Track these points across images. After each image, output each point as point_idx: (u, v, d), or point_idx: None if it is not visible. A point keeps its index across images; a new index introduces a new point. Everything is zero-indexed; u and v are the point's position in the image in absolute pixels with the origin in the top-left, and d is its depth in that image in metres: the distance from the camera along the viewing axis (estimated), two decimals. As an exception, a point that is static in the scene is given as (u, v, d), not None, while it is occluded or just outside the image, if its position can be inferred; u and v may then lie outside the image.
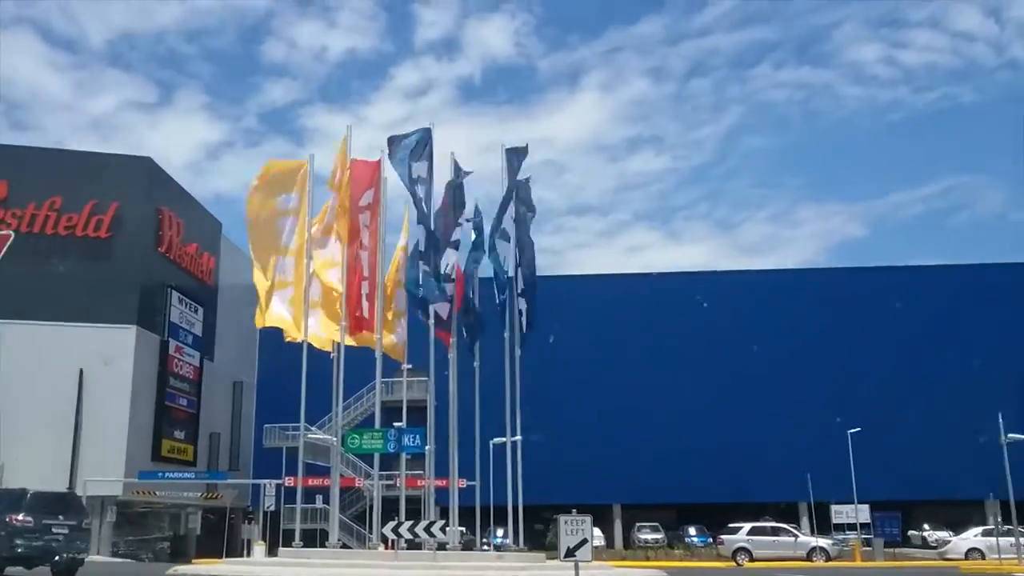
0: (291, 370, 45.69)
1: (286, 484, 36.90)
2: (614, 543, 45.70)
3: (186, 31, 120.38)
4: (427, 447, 23.81)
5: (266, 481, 36.10)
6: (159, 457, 38.17)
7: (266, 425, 47.65)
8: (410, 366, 29.26)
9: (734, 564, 31.13)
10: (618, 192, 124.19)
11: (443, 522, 21.45)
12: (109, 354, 36.39)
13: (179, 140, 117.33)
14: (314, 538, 47.41)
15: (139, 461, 36.03)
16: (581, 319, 47.02)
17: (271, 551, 38.73)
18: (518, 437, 24.81)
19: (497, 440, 26.35)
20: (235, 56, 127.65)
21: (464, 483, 42.70)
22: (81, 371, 35.74)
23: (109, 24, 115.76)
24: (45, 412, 35.04)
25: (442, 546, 20.62)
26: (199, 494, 38.11)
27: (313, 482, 37.93)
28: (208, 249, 44.94)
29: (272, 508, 35.60)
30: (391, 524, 21.01)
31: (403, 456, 25.04)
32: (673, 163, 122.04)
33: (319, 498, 44.98)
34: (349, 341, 24.51)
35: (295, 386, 45.74)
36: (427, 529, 20.36)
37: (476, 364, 27.83)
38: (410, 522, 20.79)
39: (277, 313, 23.82)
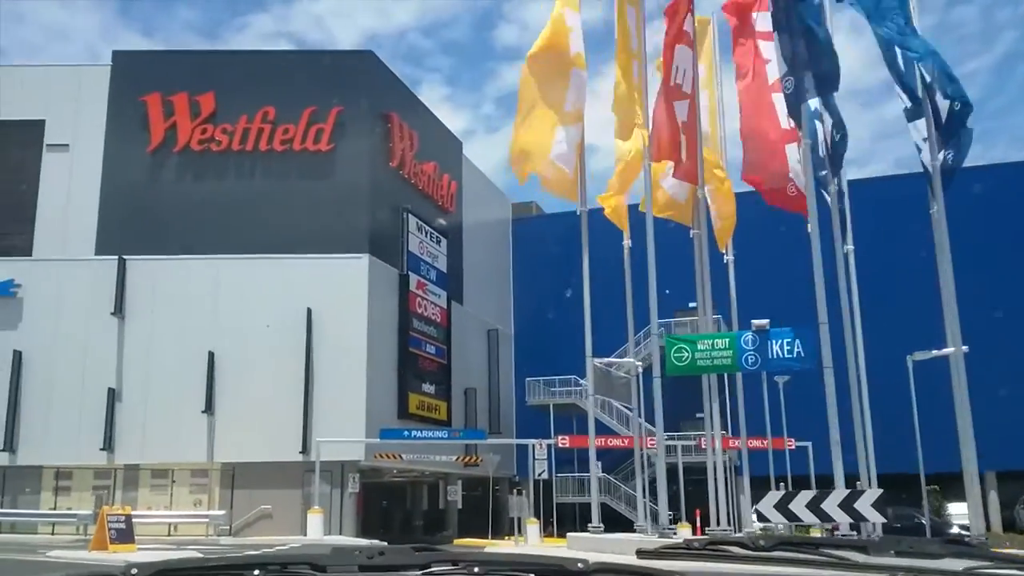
0: (552, 318, 37.96)
1: (559, 444, 28.60)
2: (989, 523, 33.41)
3: (423, 26, 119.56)
4: (825, 366, 14.09)
5: (535, 441, 27.91)
6: (405, 414, 31.28)
7: (528, 379, 39.95)
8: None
9: None
10: (875, 141, 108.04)
11: (877, 493, 12.05)
12: (339, 289, 29.82)
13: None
14: (585, 515, 39.23)
15: (382, 418, 29.22)
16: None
17: (545, 531, 30.85)
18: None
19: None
20: (470, 45, 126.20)
21: (793, 443, 32.29)
22: (309, 311, 29.40)
23: (357, 27, 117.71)
24: (268, 362, 29.07)
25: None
26: (455, 458, 30.73)
27: (588, 443, 29.25)
28: (448, 171, 37.62)
29: (545, 476, 27.40)
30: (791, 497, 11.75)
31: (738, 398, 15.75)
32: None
33: (600, 464, 36.64)
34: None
35: (558, 336, 37.42)
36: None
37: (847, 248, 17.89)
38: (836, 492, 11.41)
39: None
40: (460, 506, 36.06)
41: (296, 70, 31.82)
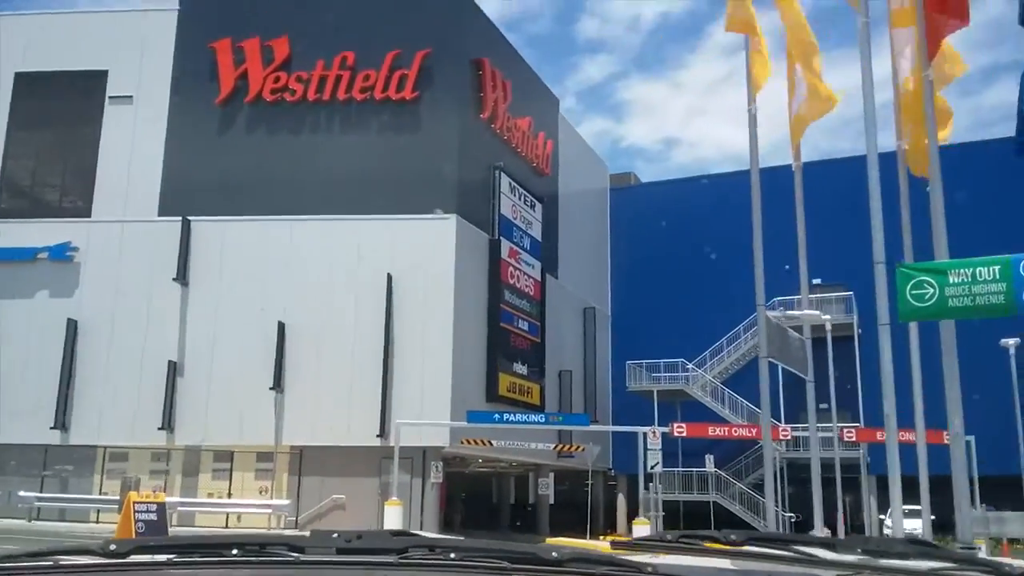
0: (654, 298, 33.90)
1: (676, 433, 24.53)
2: None
3: (507, 20, 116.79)
4: None
5: (648, 428, 23.87)
6: (495, 396, 27.61)
7: (629, 362, 35.92)
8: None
9: None
10: (972, 130, 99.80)
11: None
12: (423, 254, 26.35)
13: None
14: (690, 515, 35.07)
15: (468, 400, 25.64)
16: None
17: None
18: None
19: None
20: (552, 38, 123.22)
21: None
22: (389, 278, 26.01)
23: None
24: (343, 335, 25.81)
25: None
26: (553, 446, 26.84)
27: (698, 431, 25.34)
28: (543, 129, 33.79)
29: (659, 468, 23.44)
30: None
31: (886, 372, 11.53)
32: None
33: (709, 459, 32.40)
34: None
35: (660, 318, 34.21)
36: None
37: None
38: None
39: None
40: (552, 501, 32.41)
41: (377, 10, 28.35)
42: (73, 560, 1.56)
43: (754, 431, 24.33)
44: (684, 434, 23.92)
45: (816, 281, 37.42)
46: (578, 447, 25.77)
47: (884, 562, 1.93)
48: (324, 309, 26.10)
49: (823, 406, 36.46)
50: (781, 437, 24.50)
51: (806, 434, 24.98)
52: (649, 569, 1.55)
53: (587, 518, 28.55)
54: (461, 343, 26.07)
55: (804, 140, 16.84)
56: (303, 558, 1.54)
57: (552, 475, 32.72)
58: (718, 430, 24.23)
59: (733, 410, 34.20)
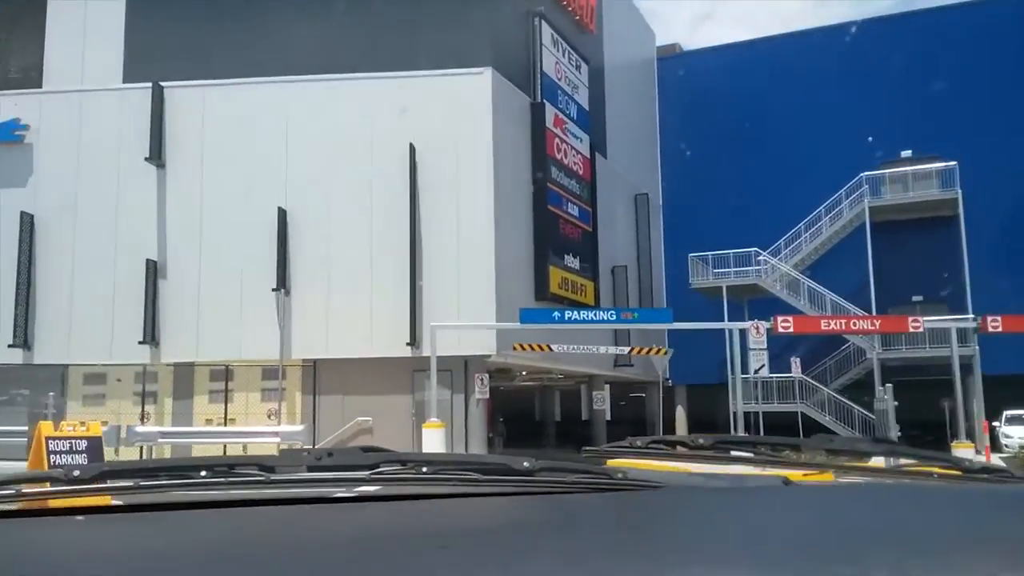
0: (710, 185, 29.56)
1: (781, 328, 19.58)
2: None
3: None
4: None
5: (750, 324, 18.93)
6: (545, 295, 22.72)
7: (691, 255, 30.89)
8: None
9: None
10: None
11: None
12: (453, 119, 21.11)
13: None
14: (767, 427, 30.53)
15: (515, 300, 20.72)
16: None
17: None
18: None
19: None
20: None
21: None
22: (412, 149, 20.88)
23: None
24: (360, 222, 20.88)
25: None
26: (629, 350, 21.80)
27: (807, 326, 20.53)
28: (586, -22, 27.98)
29: (765, 372, 18.69)
30: None
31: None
32: None
33: (795, 362, 27.63)
34: None
35: (720, 206, 30.20)
36: None
37: None
38: None
39: None
40: (608, 417, 28.00)
41: None
42: (36, 488, 1.52)
43: (877, 323, 19.40)
44: (791, 329, 19.04)
45: (906, 153, 32.22)
46: (660, 349, 20.84)
47: (849, 460, 1.97)
48: (334, 191, 21.09)
49: (916, 298, 31.81)
50: (912, 328, 19.54)
51: (960, 324, 20.01)
52: (620, 475, 1.56)
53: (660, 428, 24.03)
54: (504, 229, 21.05)
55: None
56: (273, 477, 1.51)
57: (608, 387, 28.27)
58: (832, 323, 19.39)
59: (814, 304, 29.30)
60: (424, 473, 1.54)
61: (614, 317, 18.94)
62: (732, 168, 33.68)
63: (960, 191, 28.79)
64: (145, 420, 19.90)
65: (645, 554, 1.10)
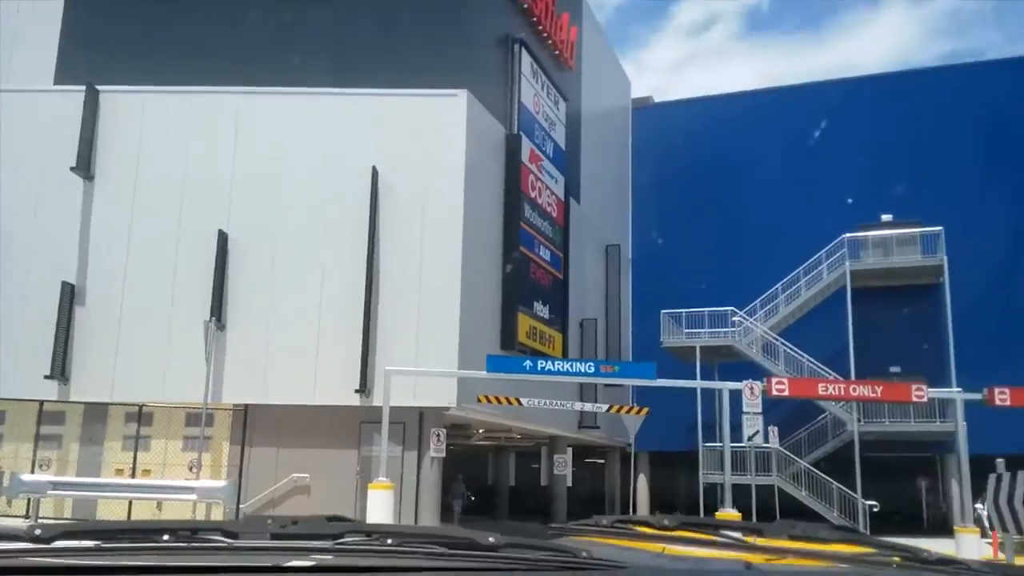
0: (683, 241, 28.47)
1: (776, 391, 17.58)
2: None
3: None
4: None
5: (745, 384, 16.86)
6: (512, 344, 20.52)
7: (664, 312, 29.04)
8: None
9: None
10: None
11: None
12: (421, 143, 19.08)
13: None
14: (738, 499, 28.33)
15: (479, 348, 18.50)
16: None
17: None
18: None
19: None
20: None
21: None
22: (375, 173, 18.76)
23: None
24: (310, 251, 18.62)
25: None
26: (608, 407, 19.46)
27: (803, 390, 18.66)
28: (568, 10, 26.47)
29: (759, 438, 16.68)
30: None
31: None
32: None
33: (773, 431, 25.65)
34: None
35: (693, 263, 29.85)
36: None
37: None
38: None
39: None
40: (570, 483, 25.78)
41: None
42: None
43: (879, 390, 17.54)
44: (785, 392, 17.09)
45: (886, 217, 31.00)
46: (641, 408, 18.63)
47: (809, 547, 1.98)
48: (284, 216, 18.82)
49: (894, 369, 30.25)
50: (915, 398, 17.71)
51: (969, 395, 18.16)
52: (584, 554, 1.55)
53: (628, 503, 21.75)
54: (472, 267, 18.92)
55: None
56: (236, 544, 1.50)
57: (570, 450, 26.05)
58: (830, 388, 17.51)
59: (790, 368, 27.55)
60: (389, 545, 1.53)
61: (592, 370, 16.77)
62: (706, 225, 32.20)
63: (945, 257, 27.49)
64: (42, 467, 17.06)
65: None
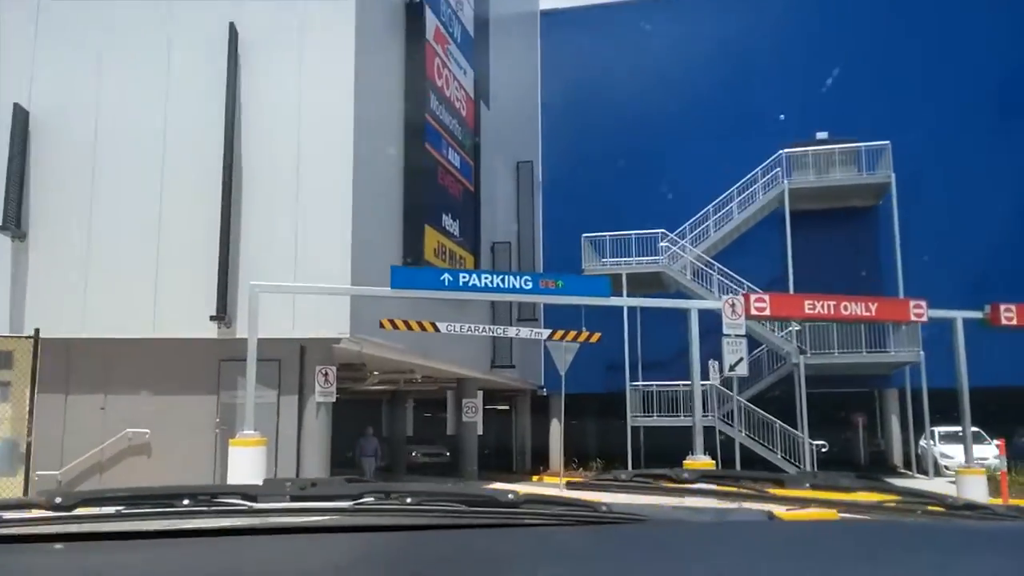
0: (598, 160, 25.06)
1: (754, 311, 14.10)
2: None
3: None
4: None
5: (714, 303, 13.26)
6: (419, 262, 16.34)
7: (585, 235, 25.50)
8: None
9: None
10: None
11: None
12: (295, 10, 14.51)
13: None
14: (661, 445, 25.38)
15: (379, 262, 14.27)
16: None
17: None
18: None
19: None
20: None
21: None
22: (232, 31, 14.09)
23: None
24: (141, 135, 13.90)
25: None
26: (552, 334, 15.35)
27: (786, 309, 15.33)
28: None
29: (743, 367, 13.17)
30: None
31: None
32: None
33: (713, 365, 22.52)
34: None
35: (608, 184, 26.16)
36: None
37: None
38: None
39: None
40: (480, 431, 22.20)
41: None
42: (17, 515, 1.49)
43: (873, 307, 14.38)
44: (766, 311, 13.69)
45: (822, 134, 28.25)
46: (593, 334, 14.75)
47: (832, 495, 1.96)
48: (109, 88, 13.99)
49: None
50: (914, 316, 14.62)
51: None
52: (604, 508, 1.57)
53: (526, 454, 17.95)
54: (365, 162, 14.57)
55: None
56: (255, 506, 1.52)
57: (481, 394, 22.36)
58: (817, 306, 14.22)
59: (724, 293, 24.46)
60: (408, 504, 1.55)
61: (530, 285, 12.85)
62: (626, 144, 28.71)
63: (893, 174, 24.86)
64: None
65: None
